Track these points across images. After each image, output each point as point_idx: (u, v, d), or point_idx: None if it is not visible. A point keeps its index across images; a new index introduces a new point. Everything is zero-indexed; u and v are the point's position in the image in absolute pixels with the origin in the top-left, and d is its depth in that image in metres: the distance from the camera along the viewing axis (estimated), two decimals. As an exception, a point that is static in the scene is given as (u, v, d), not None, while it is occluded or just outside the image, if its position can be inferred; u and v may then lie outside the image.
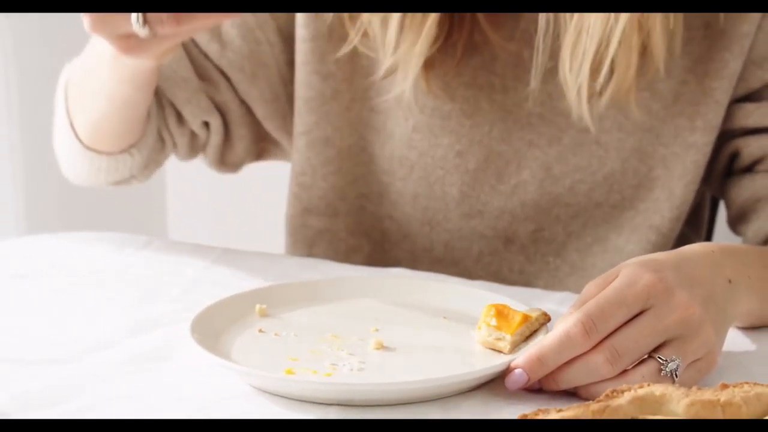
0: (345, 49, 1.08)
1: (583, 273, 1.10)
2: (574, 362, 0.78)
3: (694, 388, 0.68)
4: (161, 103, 1.13)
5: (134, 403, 0.78)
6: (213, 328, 0.85)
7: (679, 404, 0.66)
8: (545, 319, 0.85)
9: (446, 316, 0.90)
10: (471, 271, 1.11)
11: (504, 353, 0.83)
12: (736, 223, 1.09)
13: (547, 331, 0.82)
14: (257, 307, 0.90)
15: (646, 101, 1.05)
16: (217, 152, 1.18)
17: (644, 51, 1.00)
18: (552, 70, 1.04)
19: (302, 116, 1.13)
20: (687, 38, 1.03)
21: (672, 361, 0.78)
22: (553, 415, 0.64)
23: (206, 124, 1.15)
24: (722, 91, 1.05)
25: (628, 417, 0.66)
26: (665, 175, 1.08)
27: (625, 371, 0.78)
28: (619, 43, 0.98)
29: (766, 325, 0.93)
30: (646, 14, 0.98)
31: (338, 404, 0.77)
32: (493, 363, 0.80)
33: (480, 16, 1.05)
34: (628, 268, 0.80)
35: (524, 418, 0.64)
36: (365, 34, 1.06)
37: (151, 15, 0.87)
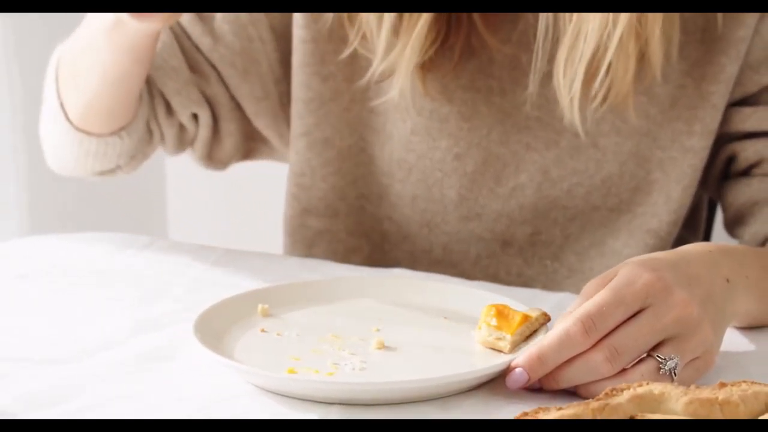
0: (346, 52, 1.08)
1: (581, 276, 1.10)
2: (573, 361, 0.78)
3: (692, 387, 0.68)
4: (151, 92, 1.13)
5: (137, 402, 0.79)
6: (216, 328, 0.85)
7: (677, 402, 0.67)
8: (545, 319, 0.85)
9: (447, 316, 0.91)
10: (469, 273, 1.12)
11: (504, 353, 0.83)
12: (733, 226, 1.10)
13: (547, 331, 0.83)
14: (259, 307, 0.90)
15: (644, 105, 1.05)
16: (205, 147, 1.17)
17: (641, 57, 1.01)
18: (549, 74, 1.05)
19: (302, 118, 1.13)
20: (683, 42, 1.04)
21: (671, 359, 0.78)
22: (554, 414, 0.64)
23: (195, 117, 1.15)
24: (719, 95, 1.05)
25: (628, 415, 0.66)
26: (663, 178, 1.08)
27: (624, 370, 0.78)
28: (617, 49, 0.98)
29: (764, 325, 0.93)
30: (643, 21, 0.98)
31: (340, 403, 0.77)
32: (494, 362, 0.80)
33: (477, 19, 1.05)
34: (626, 267, 0.81)
35: (524, 416, 0.65)
36: (364, 36, 1.07)
37: None
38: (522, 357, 0.79)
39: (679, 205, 1.09)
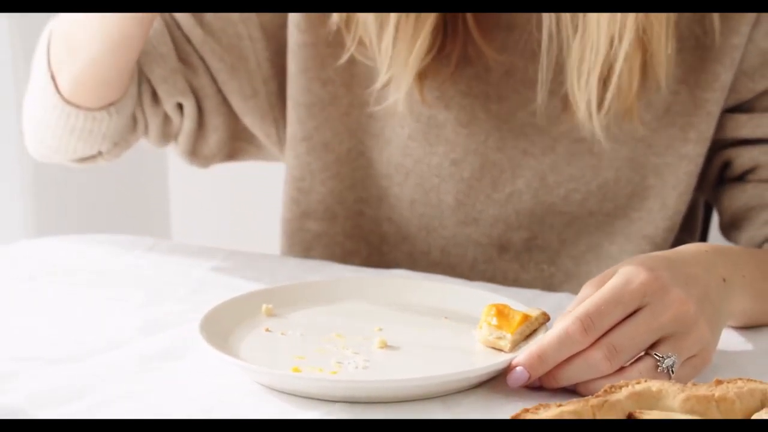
0: (343, 58, 1.08)
1: (578, 280, 1.10)
2: (573, 359, 0.79)
3: (689, 384, 0.69)
4: (138, 79, 1.12)
5: (145, 400, 0.80)
6: (221, 328, 0.86)
7: (675, 399, 0.68)
8: (545, 319, 0.86)
9: (448, 316, 0.92)
10: (466, 277, 1.12)
11: (505, 352, 0.84)
12: (728, 230, 1.10)
13: (547, 330, 0.84)
14: (264, 307, 0.91)
15: (639, 111, 1.05)
16: (189, 141, 1.16)
17: (645, 68, 1.01)
18: (545, 80, 1.05)
19: (302, 122, 1.14)
20: (678, 48, 1.04)
21: (668, 357, 0.79)
22: (554, 410, 0.66)
23: (180, 108, 1.14)
24: (714, 102, 1.06)
25: (626, 411, 0.67)
26: (658, 184, 1.09)
27: (622, 368, 0.79)
28: (624, 61, 0.98)
29: (760, 324, 0.94)
30: (648, 30, 0.98)
31: (344, 401, 0.78)
32: (494, 361, 0.81)
33: (472, 28, 1.05)
34: (624, 267, 0.82)
35: (525, 412, 0.66)
36: (361, 43, 1.07)
37: None
38: (522, 356, 0.80)
39: (675, 211, 1.10)
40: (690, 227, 1.18)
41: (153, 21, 1.06)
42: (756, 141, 1.07)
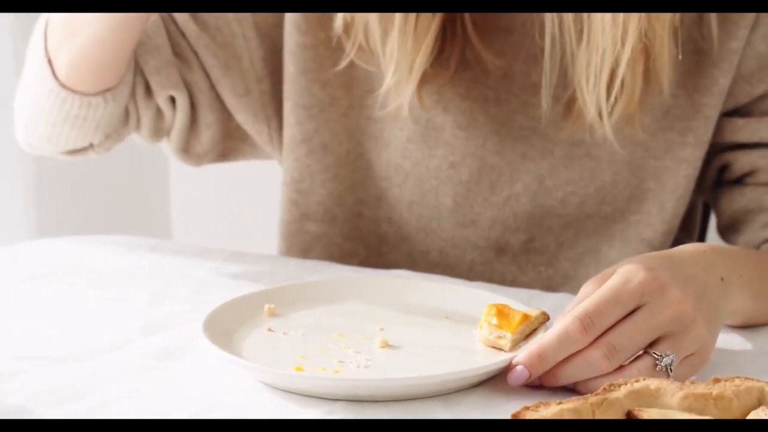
0: (342, 63, 1.09)
1: (576, 283, 1.10)
2: (572, 358, 0.80)
3: (687, 382, 0.70)
4: (133, 71, 1.12)
5: (147, 400, 0.80)
6: (224, 328, 0.87)
7: (673, 397, 0.69)
8: (544, 318, 0.87)
9: (448, 315, 0.92)
10: (465, 278, 1.12)
11: (505, 351, 0.85)
12: (726, 232, 1.11)
13: (546, 330, 0.85)
14: (266, 307, 0.92)
15: (638, 115, 1.05)
16: (182, 137, 1.16)
17: (648, 74, 1.01)
18: (540, 85, 1.05)
19: (302, 124, 1.14)
20: (673, 52, 1.04)
21: (667, 356, 0.80)
22: (554, 408, 0.66)
23: (173, 102, 1.13)
24: (712, 107, 1.06)
25: (625, 409, 0.68)
26: (656, 187, 1.09)
27: (621, 367, 0.80)
28: (627, 67, 0.98)
29: (758, 323, 0.95)
30: (651, 38, 0.98)
31: (346, 399, 0.79)
32: (495, 360, 0.82)
33: (471, 32, 1.06)
34: (623, 266, 0.83)
35: (526, 410, 0.67)
36: (361, 48, 1.07)
37: None
38: (522, 355, 0.80)
39: (673, 215, 1.10)
40: (688, 228, 1.18)
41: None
42: (754, 145, 1.07)
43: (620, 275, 0.82)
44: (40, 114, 1.10)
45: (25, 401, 0.79)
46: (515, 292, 1.02)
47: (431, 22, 1.03)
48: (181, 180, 2.12)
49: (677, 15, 1.01)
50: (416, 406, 0.79)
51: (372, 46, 1.06)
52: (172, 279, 1.05)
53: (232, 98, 1.14)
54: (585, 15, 0.98)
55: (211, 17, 1.12)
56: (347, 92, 1.13)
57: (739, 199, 1.09)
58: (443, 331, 0.90)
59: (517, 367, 0.80)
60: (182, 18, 1.12)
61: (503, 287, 1.04)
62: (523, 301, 0.92)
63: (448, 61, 1.07)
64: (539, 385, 0.81)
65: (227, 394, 0.81)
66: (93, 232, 1.43)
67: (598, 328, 0.79)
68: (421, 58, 1.04)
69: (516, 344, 0.85)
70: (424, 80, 1.07)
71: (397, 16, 1.02)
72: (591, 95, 1.00)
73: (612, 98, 1.00)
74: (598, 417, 0.67)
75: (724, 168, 1.10)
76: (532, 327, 0.86)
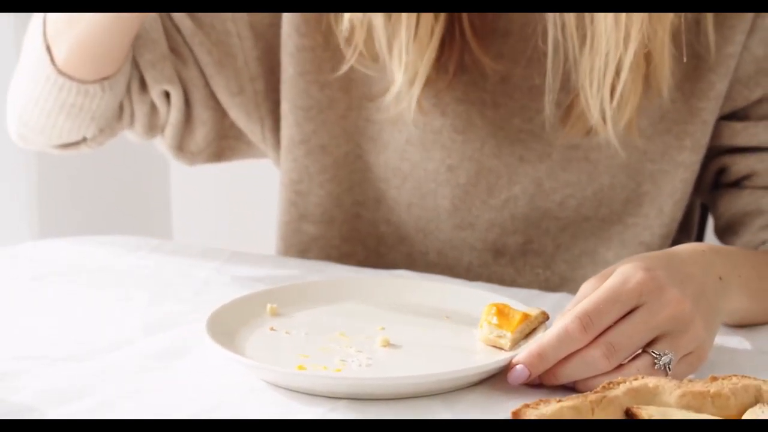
0: (342, 69, 1.08)
1: (573, 285, 1.10)
2: (572, 358, 0.80)
3: (685, 381, 0.71)
4: (130, 63, 1.11)
5: (151, 398, 0.81)
6: (227, 327, 0.88)
7: (671, 395, 0.70)
8: (544, 318, 0.88)
9: (449, 315, 0.93)
10: (463, 279, 1.12)
11: (505, 350, 0.86)
12: (723, 234, 1.11)
13: (546, 329, 0.85)
14: (268, 306, 0.93)
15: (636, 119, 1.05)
16: (176, 134, 1.15)
17: (647, 80, 1.02)
18: (537, 88, 1.06)
19: (300, 125, 1.14)
20: (672, 56, 1.04)
21: (665, 355, 0.80)
22: (553, 405, 0.67)
23: (167, 98, 1.13)
24: (709, 111, 1.06)
25: (624, 407, 0.69)
26: (654, 191, 1.09)
27: (620, 366, 0.80)
28: (630, 71, 0.98)
29: (756, 323, 0.96)
30: (653, 44, 0.98)
31: (348, 398, 0.80)
32: (495, 359, 0.83)
33: (469, 36, 1.06)
34: (622, 266, 0.83)
35: (526, 407, 0.67)
36: (360, 53, 1.07)
37: None
38: (523, 354, 0.81)
39: (671, 218, 1.10)
40: (687, 228, 1.18)
41: None
42: (752, 149, 1.07)
43: (619, 275, 0.82)
44: (35, 103, 1.09)
45: (29, 400, 0.80)
46: (515, 292, 1.02)
47: (435, 26, 1.03)
48: (181, 180, 2.13)
49: (680, 17, 1.01)
50: (417, 405, 0.79)
51: (377, 51, 1.06)
52: (173, 279, 1.06)
53: (226, 96, 1.14)
54: (588, 19, 0.98)
55: (206, 15, 1.12)
56: (346, 94, 1.13)
57: (736, 202, 1.09)
58: (444, 330, 0.91)
59: (517, 366, 0.80)
60: (178, 14, 1.12)
61: (503, 287, 1.05)
62: (522, 301, 0.92)
63: (447, 65, 1.07)
64: (539, 384, 0.82)
65: (230, 393, 0.82)
66: (94, 233, 1.43)
67: (598, 327, 0.80)
68: (426, 63, 1.04)
69: (516, 343, 0.86)
70: (408, 92, 1.06)
71: (404, 23, 1.02)
72: (595, 99, 1.00)
73: (614, 102, 1.00)
74: (597, 414, 0.68)
75: (722, 171, 1.10)
76: (532, 326, 0.87)
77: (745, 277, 0.92)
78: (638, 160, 1.09)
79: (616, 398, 0.69)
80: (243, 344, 0.87)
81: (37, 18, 1.10)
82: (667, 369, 0.80)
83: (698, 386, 0.70)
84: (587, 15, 0.98)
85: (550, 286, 1.13)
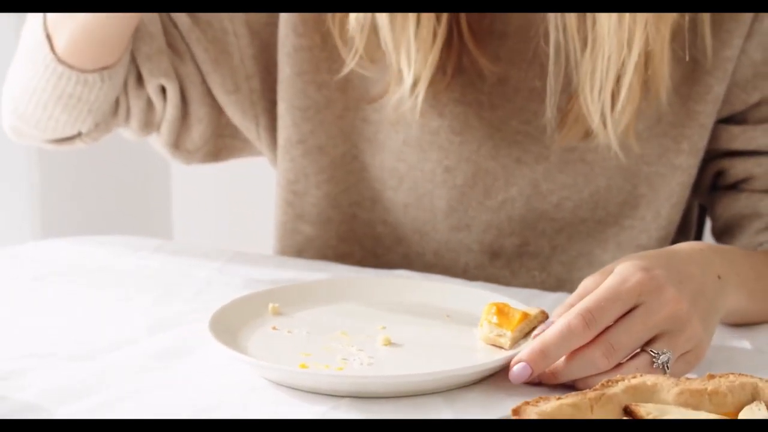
0: (343, 72, 1.08)
1: (570, 287, 1.10)
2: (572, 357, 0.81)
3: (683, 379, 0.72)
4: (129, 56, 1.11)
5: (156, 396, 0.81)
6: (229, 326, 0.88)
7: (669, 393, 0.71)
8: (543, 317, 0.88)
9: (449, 314, 0.94)
10: None
11: (505, 349, 0.86)
12: (721, 236, 1.12)
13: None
14: (270, 306, 0.93)
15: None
16: (173, 131, 1.14)
17: (646, 86, 1.02)
18: (535, 90, 1.06)
19: (297, 125, 1.14)
20: (670, 59, 1.03)
21: (663, 354, 0.81)
22: (553, 403, 0.68)
23: (163, 93, 1.12)
24: (706, 114, 1.07)
25: (623, 404, 0.70)
26: (650, 194, 1.10)
27: (619, 364, 0.81)
28: (633, 74, 0.98)
29: (754, 322, 0.97)
30: (653, 48, 0.98)
31: (349, 396, 0.81)
32: (495, 357, 0.84)
33: (467, 38, 1.06)
34: (621, 265, 0.84)
35: (526, 405, 0.68)
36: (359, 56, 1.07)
37: None
38: (525, 351, 0.81)
39: (669, 221, 1.11)
40: (685, 229, 1.19)
41: None
42: (750, 153, 1.08)
43: (618, 274, 0.83)
44: (32, 93, 1.09)
45: (35, 398, 0.81)
46: (515, 291, 1.03)
47: (437, 27, 1.03)
48: (182, 181, 2.14)
49: (682, 18, 1.01)
50: (418, 403, 0.80)
51: (375, 52, 1.06)
52: (175, 279, 1.06)
53: (222, 94, 1.14)
54: (590, 21, 0.98)
55: (203, 15, 1.12)
56: (343, 94, 1.13)
57: (734, 205, 1.09)
58: (444, 329, 0.91)
59: (520, 363, 0.81)
60: None
61: (503, 287, 1.06)
62: (522, 301, 0.93)
63: (445, 67, 1.07)
64: (538, 382, 0.82)
65: (232, 392, 0.82)
66: (95, 233, 1.44)
67: (600, 324, 0.81)
68: (432, 61, 1.04)
69: (516, 342, 0.87)
70: (414, 92, 1.06)
71: (410, 22, 1.02)
72: (595, 103, 1.00)
73: (619, 105, 1.00)
74: (596, 411, 0.69)
75: (720, 174, 1.11)
76: (532, 325, 0.88)
77: (743, 276, 0.92)
78: (634, 162, 1.09)
79: (615, 396, 0.70)
80: (245, 343, 0.87)
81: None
82: (665, 368, 0.81)
83: (696, 384, 0.71)
84: (589, 17, 0.98)
85: (546, 288, 1.12)
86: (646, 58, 0.99)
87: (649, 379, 0.71)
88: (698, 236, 1.23)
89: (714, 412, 0.70)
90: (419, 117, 1.09)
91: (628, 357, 0.82)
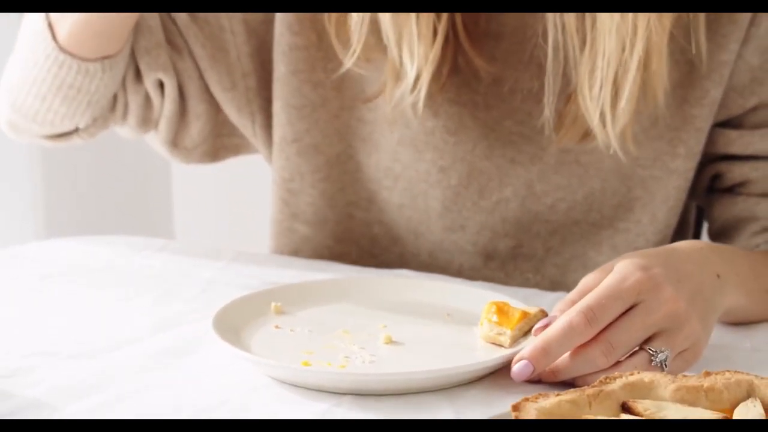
0: (341, 70, 1.08)
1: (564, 289, 1.10)
2: (573, 356, 0.82)
3: (679, 375, 0.73)
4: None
5: (160, 394, 0.82)
6: (233, 325, 0.89)
7: (666, 389, 0.72)
8: (542, 316, 0.89)
9: (450, 313, 0.95)
10: None
11: (505, 347, 0.87)
12: (717, 238, 1.12)
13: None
14: (273, 305, 0.94)
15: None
16: (171, 127, 1.14)
17: (644, 87, 1.02)
18: (530, 91, 1.07)
19: (293, 124, 1.14)
20: (667, 62, 1.03)
21: (661, 352, 0.82)
22: (552, 399, 0.69)
23: (161, 89, 1.12)
24: (702, 118, 1.07)
25: (620, 401, 0.71)
26: (645, 196, 1.10)
27: (618, 362, 0.82)
28: (636, 71, 0.98)
29: (751, 321, 0.97)
30: (651, 49, 0.98)
31: (352, 393, 0.82)
32: (495, 355, 0.85)
33: (463, 38, 1.06)
34: (620, 264, 0.85)
35: (525, 401, 0.69)
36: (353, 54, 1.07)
37: None
38: (527, 349, 0.82)
39: (665, 225, 1.11)
40: (683, 229, 1.19)
41: None
42: (747, 157, 1.08)
43: (617, 273, 0.84)
44: (32, 84, 1.08)
45: (42, 395, 0.82)
46: (514, 291, 1.04)
47: (437, 23, 1.03)
48: (183, 181, 2.14)
49: (684, 18, 1.01)
50: (419, 400, 0.81)
51: (372, 51, 1.06)
52: (178, 279, 1.07)
53: (219, 91, 1.14)
54: (589, 21, 0.99)
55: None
56: (338, 94, 1.13)
57: (731, 208, 1.10)
58: (445, 328, 0.92)
59: (521, 361, 0.82)
60: None
61: (503, 286, 1.06)
62: (521, 300, 0.94)
63: (440, 67, 1.07)
64: (538, 380, 0.83)
65: (236, 389, 0.83)
66: (97, 233, 1.44)
67: (601, 322, 0.81)
68: (433, 58, 1.04)
69: (515, 340, 0.88)
70: (416, 87, 1.06)
71: (412, 17, 1.02)
72: (594, 103, 1.00)
73: (622, 103, 1.00)
74: (594, 408, 0.70)
75: (717, 177, 1.11)
76: (531, 324, 0.88)
77: (742, 275, 0.93)
78: (629, 165, 1.09)
79: (612, 392, 0.71)
80: (248, 342, 0.88)
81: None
82: (664, 366, 0.82)
83: (692, 381, 0.72)
84: (588, 16, 0.98)
85: (540, 291, 1.12)
86: (646, 57, 0.99)
87: (647, 376, 0.72)
88: (696, 236, 1.24)
89: (710, 408, 0.71)
90: (415, 116, 1.10)
91: (627, 355, 0.83)
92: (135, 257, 1.14)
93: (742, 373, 0.73)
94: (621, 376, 0.72)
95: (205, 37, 1.12)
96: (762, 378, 0.73)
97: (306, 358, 0.85)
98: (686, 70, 1.06)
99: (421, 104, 1.06)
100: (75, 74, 1.07)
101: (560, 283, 1.13)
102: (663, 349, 0.82)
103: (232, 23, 1.13)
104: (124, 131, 1.17)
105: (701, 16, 1.02)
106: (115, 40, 1.07)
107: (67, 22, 1.05)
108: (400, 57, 1.04)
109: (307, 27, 1.11)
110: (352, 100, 1.13)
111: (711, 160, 1.10)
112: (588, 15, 0.99)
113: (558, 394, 0.70)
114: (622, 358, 0.82)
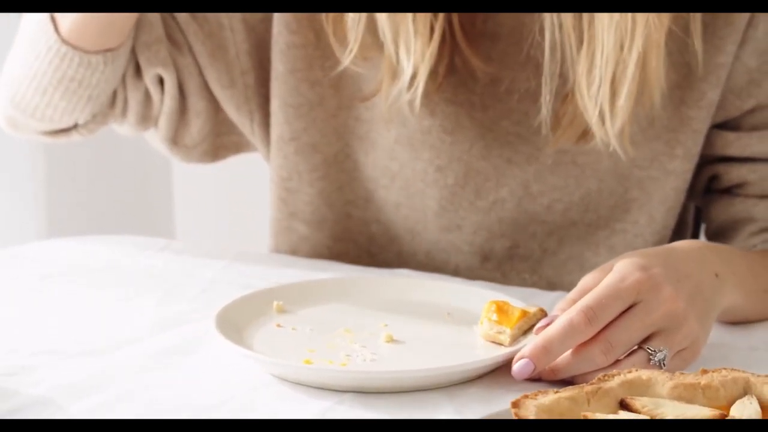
0: (339, 68, 1.08)
1: (561, 290, 1.09)
2: (573, 354, 0.82)
3: (677, 373, 0.74)
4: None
5: (163, 393, 0.83)
6: (235, 324, 0.90)
7: (663, 387, 0.73)
8: (542, 315, 0.90)
9: (450, 312, 0.95)
10: None
11: (504, 346, 0.88)
12: (714, 238, 1.12)
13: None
14: (275, 303, 0.95)
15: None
16: (171, 124, 1.14)
17: (639, 85, 1.01)
18: (527, 91, 1.07)
19: (290, 123, 1.14)
20: (664, 63, 1.03)
21: (660, 351, 0.82)
22: (551, 396, 0.70)
23: (161, 85, 1.12)
24: (700, 120, 1.07)
25: (619, 398, 0.72)
26: (643, 197, 1.10)
27: (617, 361, 0.82)
28: (635, 68, 0.98)
29: (749, 320, 0.98)
30: (649, 49, 0.98)
31: (353, 391, 0.82)
32: (495, 354, 0.85)
33: (459, 38, 1.06)
34: (620, 263, 0.85)
35: (525, 398, 0.70)
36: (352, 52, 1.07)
37: None
38: (527, 348, 0.82)
39: (663, 226, 1.11)
40: (681, 229, 1.19)
41: None
42: (744, 159, 1.08)
43: (617, 272, 0.84)
44: (32, 79, 1.08)
45: (46, 393, 0.82)
46: (514, 290, 1.04)
47: (434, 21, 1.04)
48: (184, 181, 2.14)
49: (676, 22, 1.01)
50: (420, 398, 0.82)
51: (369, 49, 1.06)
52: (181, 278, 1.07)
53: (218, 89, 1.14)
54: (586, 20, 0.99)
55: None
56: (336, 92, 1.13)
57: (728, 210, 1.10)
58: (445, 327, 0.93)
59: (522, 360, 0.82)
60: None
61: (502, 285, 1.07)
62: (521, 299, 0.94)
63: (437, 66, 1.07)
64: (537, 378, 0.84)
65: (238, 388, 0.84)
66: (98, 232, 1.44)
67: (602, 321, 0.82)
68: (429, 56, 1.04)
69: (515, 339, 0.88)
70: (413, 84, 1.06)
71: (408, 15, 1.02)
72: (592, 101, 1.00)
73: (621, 100, 0.99)
74: (593, 405, 0.71)
75: (714, 178, 1.11)
76: (531, 323, 0.89)
77: (740, 275, 0.93)
78: (626, 166, 1.09)
79: (611, 390, 0.72)
80: (250, 340, 0.89)
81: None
82: (662, 365, 0.82)
83: (689, 378, 0.73)
84: (585, 14, 0.98)
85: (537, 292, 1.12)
86: (644, 54, 0.99)
87: (644, 373, 0.73)
88: (695, 236, 1.23)
89: (707, 405, 0.72)
90: (412, 116, 1.10)
91: (626, 354, 0.83)
92: (136, 257, 1.14)
93: (739, 370, 0.74)
94: (619, 374, 0.73)
95: (204, 34, 1.13)
96: (758, 376, 0.73)
97: (308, 356, 0.86)
98: (683, 72, 1.06)
99: (417, 102, 1.06)
100: (77, 67, 1.06)
101: (557, 284, 1.13)
102: (661, 348, 0.83)
103: (231, 21, 1.13)
104: (123, 129, 1.17)
105: (698, 18, 1.03)
106: (118, 33, 1.06)
107: (69, 14, 1.05)
108: (397, 54, 1.04)
109: (305, 26, 1.12)
110: (349, 99, 1.13)
111: (709, 161, 1.11)
112: (585, 13, 0.99)
113: (557, 392, 0.71)
114: (621, 357, 0.83)
